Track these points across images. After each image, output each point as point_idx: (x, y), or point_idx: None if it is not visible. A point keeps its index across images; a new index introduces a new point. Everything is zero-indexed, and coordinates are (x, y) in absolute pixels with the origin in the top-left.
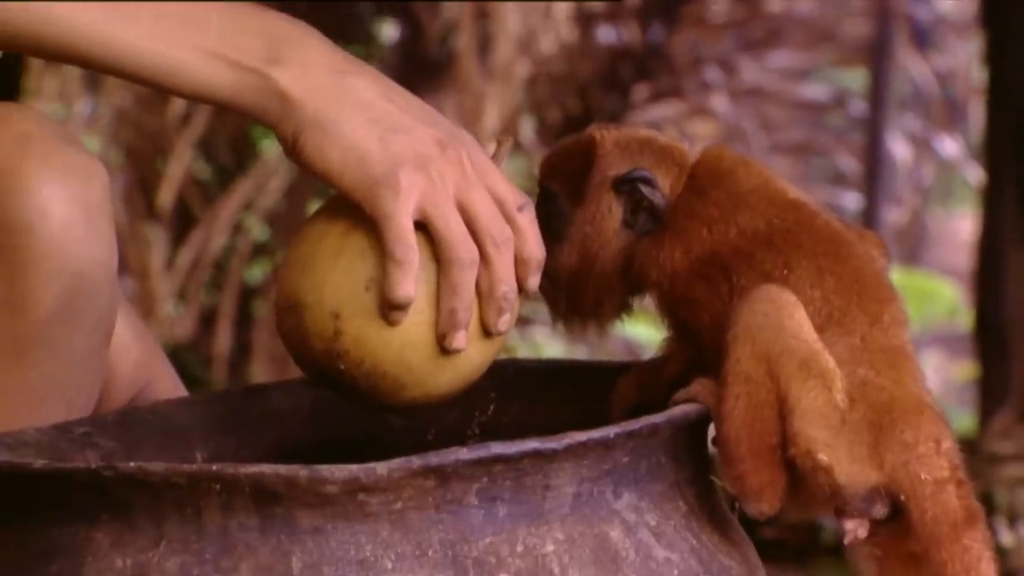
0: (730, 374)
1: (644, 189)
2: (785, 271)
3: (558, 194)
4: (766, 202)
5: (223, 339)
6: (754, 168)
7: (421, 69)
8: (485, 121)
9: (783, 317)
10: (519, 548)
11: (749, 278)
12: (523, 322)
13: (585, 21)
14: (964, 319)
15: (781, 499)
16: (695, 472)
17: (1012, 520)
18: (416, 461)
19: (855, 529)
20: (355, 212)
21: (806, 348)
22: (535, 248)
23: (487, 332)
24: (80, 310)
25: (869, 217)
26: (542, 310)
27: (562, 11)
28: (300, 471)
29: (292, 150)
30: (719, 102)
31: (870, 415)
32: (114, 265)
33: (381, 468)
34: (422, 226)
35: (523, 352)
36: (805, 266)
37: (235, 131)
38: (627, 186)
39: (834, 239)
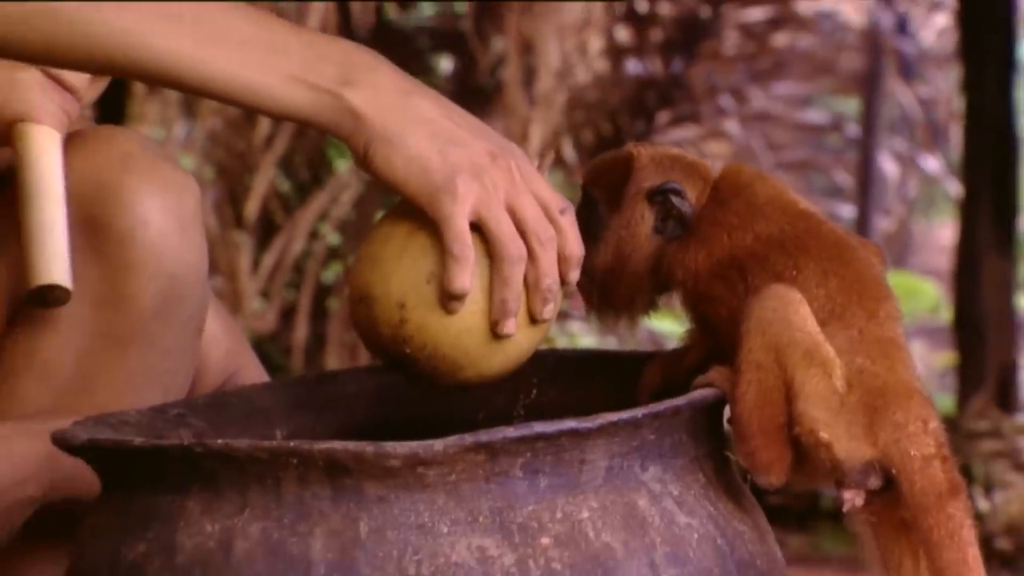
0: (743, 362)
1: (675, 200)
2: (794, 272)
3: (598, 200)
4: (779, 212)
5: (301, 331)
6: (769, 182)
7: (473, 97)
8: (529, 142)
9: (790, 313)
10: (558, 515)
11: (762, 278)
12: (561, 316)
13: (615, 55)
14: (945, 314)
15: (788, 472)
16: (712, 448)
17: (987, 489)
18: (468, 438)
19: (852, 498)
20: (418, 215)
21: (809, 340)
22: (575, 246)
23: (533, 320)
24: (175, 308)
25: (862, 226)
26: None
27: (595, 46)
28: (367, 447)
29: (363, 161)
30: (731, 126)
31: (866, 398)
32: (204, 268)
33: (438, 444)
34: (477, 227)
35: (561, 343)
36: (812, 268)
37: (312, 150)
38: (659, 197)
39: (838, 245)
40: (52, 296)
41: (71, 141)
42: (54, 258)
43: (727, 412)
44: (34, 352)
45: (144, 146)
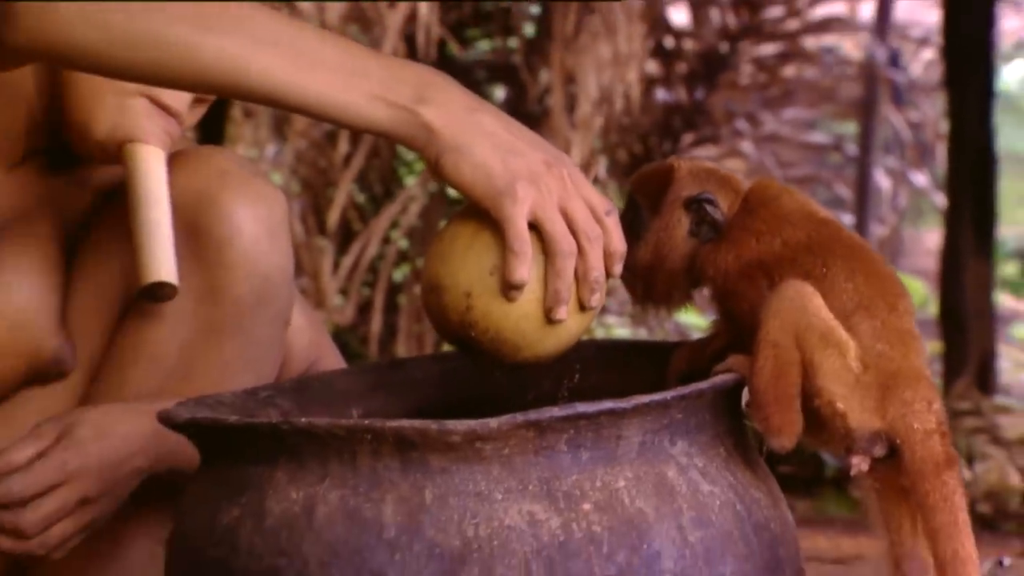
0: (762, 342)
1: (708, 208)
2: (824, 269)
3: (641, 206)
4: (804, 219)
5: (375, 324)
6: (794, 195)
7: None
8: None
9: (806, 301)
10: (598, 484)
11: (791, 277)
12: (599, 311)
13: (646, 84)
14: (931, 309)
15: (797, 436)
16: (731, 426)
17: (969, 461)
18: (519, 417)
19: (859, 463)
20: (482, 216)
21: (824, 324)
22: (619, 243)
23: (582, 307)
24: (265, 304)
25: (859, 232)
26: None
27: (628, 77)
28: (431, 425)
29: (435, 169)
30: (747, 146)
31: (881, 378)
32: (291, 270)
33: (493, 422)
34: (533, 226)
35: (599, 334)
36: (840, 266)
37: (384, 168)
38: (695, 204)
39: (857, 247)
40: (161, 292)
41: (175, 159)
42: (162, 259)
43: (744, 394)
44: (143, 343)
45: (239, 164)
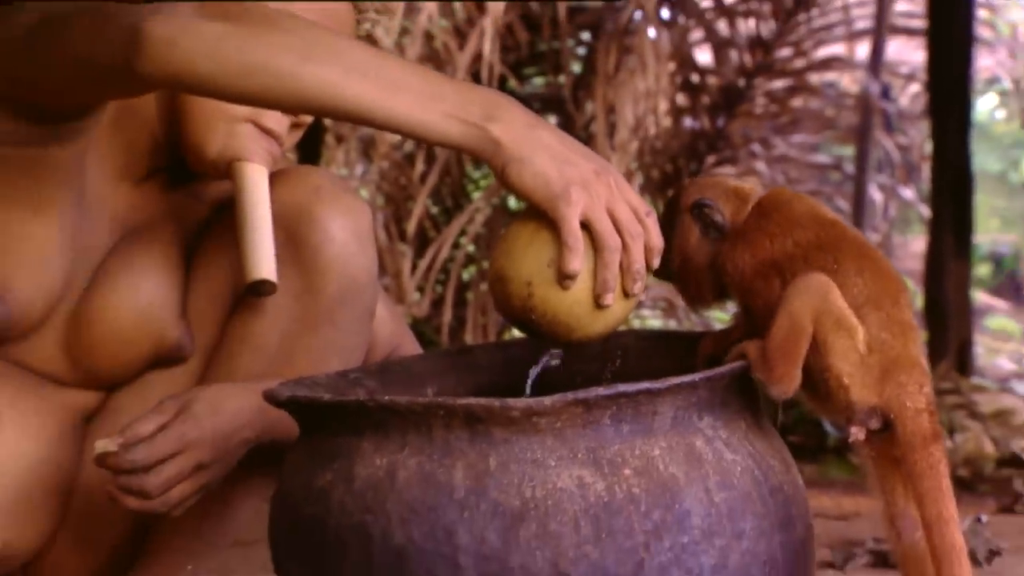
0: (781, 312)
1: (707, 211)
2: (835, 265)
3: (667, 219)
4: (813, 222)
5: (446, 316)
6: (804, 200)
7: None
8: None
9: (826, 290)
10: (636, 452)
11: (806, 272)
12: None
13: (675, 114)
14: (917, 303)
15: (794, 388)
16: (749, 403)
17: (950, 432)
18: (570, 396)
19: (857, 432)
20: (540, 217)
21: (839, 311)
22: (657, 240)
23: (626, 295)
24: (353, 300)
25: None
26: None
27: (660, 107)
28: (495, 402)
29: (501, 176)
30: (760, 166)
31: (882, 362)
32: (375, 271)
33: (547, 400)
34: (585, 225)
35: (636, 325)
36: (849, 263)
37: (455, 184)
38: (696, 209)
39: (864, 245)
40: (263, 289)
41: (277, 176)
42: (264, 260)
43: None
44: (250, 333)
45: (331, 181)
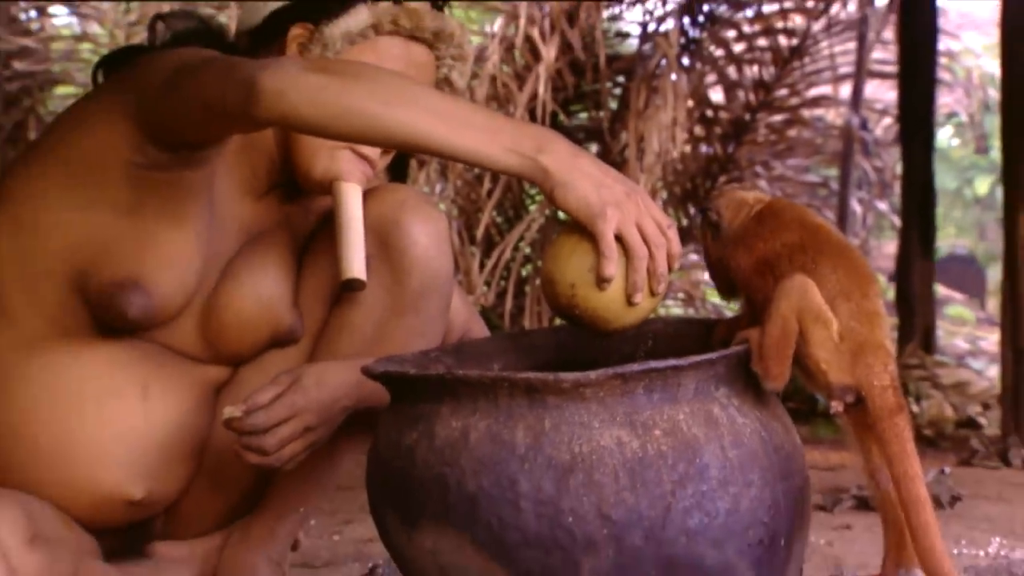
0: (774, 314)
1: (708, 214)
2: (813, 264)
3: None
4: (798, 226)
5: (508, 305)
6: (796, 208)
7: None
8: None
9: (807, 289)
10: (664, 416)
11: (789, 270)
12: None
13: (693, 142)
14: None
15: (784, 383)
16: (755, 377)
17: (917, 399)
18: (610, 371)
19: (836, 406)
20: (582, 231)
21: (818, 306)
22: (677, 248)
23: (652, 293)
24: (433, 292)
25: None
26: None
27: (681, 137)
28: (549, 376)
29: (550, 198)
30: (763, 184)
31: (852, 347)
32: (451, 268)
33: (592, 375)
34: (619, 238)
35: (662, 313)
36: (826, 262)
37: (515, 199)
38: (701, 214)
39: (841, 246)
40: (355, 285)
41: (370, 192)
42: (356, 262)
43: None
44: (348, 320)
45: (415, 195)
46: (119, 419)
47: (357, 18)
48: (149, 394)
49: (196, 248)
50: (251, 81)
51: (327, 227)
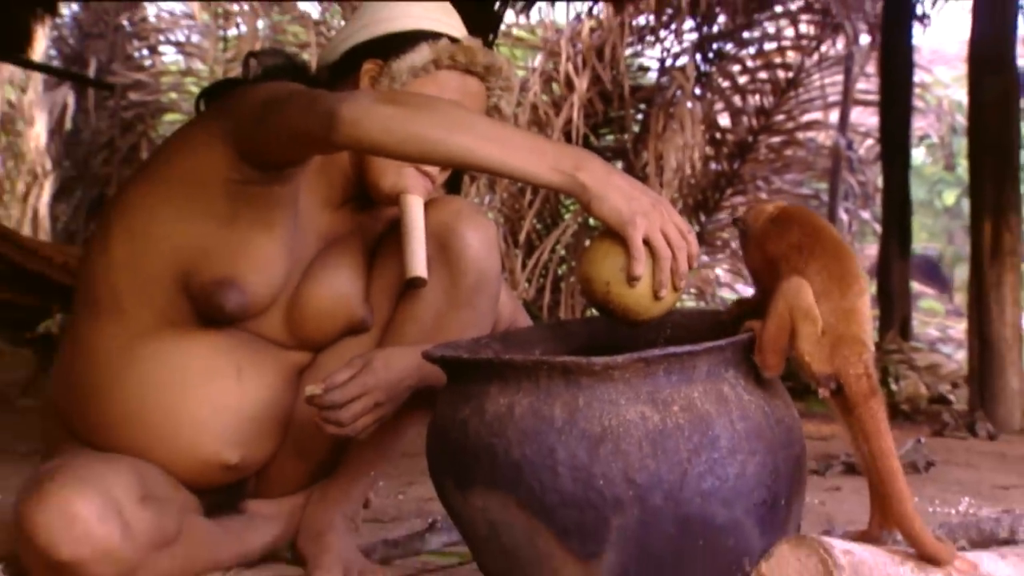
0: (772, 312)
1: (738, 222)
2: (804, 265)
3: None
4: (800, 230)
5: (546, 299)
6: (803, 212)
7: None
8: None
9: (801, 289)
10: (681, 394)
11: (787, 269)
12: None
13: (704, 160)
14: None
15: (780, 373)
16: None
17: (896, 379)
18: (635, 356)
19: (822, 392)
20: (614, 236)
21: (808, 306)
22: (695, 250)
23: (675, 289)
24: (484, 289)
25: None
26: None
27: (694, 155)
28: (583, 360)
29: (587, 208)
30: (763, 196)
31: (831, 341)
32: (500, 268)
33: (619, 358)
34: (647, 241)
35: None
36: (814, 263)
37: (552, 208)
38: (734, 223)
39: (835, 248)
40: (418, 283)
41: (431, 203)
42: (419, 263)
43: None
44: (411, 313)
45: (469, 205)
46: (217, 396)
47: (420, 55)
48: (243, 376)
49: (283, 252)
50: (331, 112)
51: (394, 233)
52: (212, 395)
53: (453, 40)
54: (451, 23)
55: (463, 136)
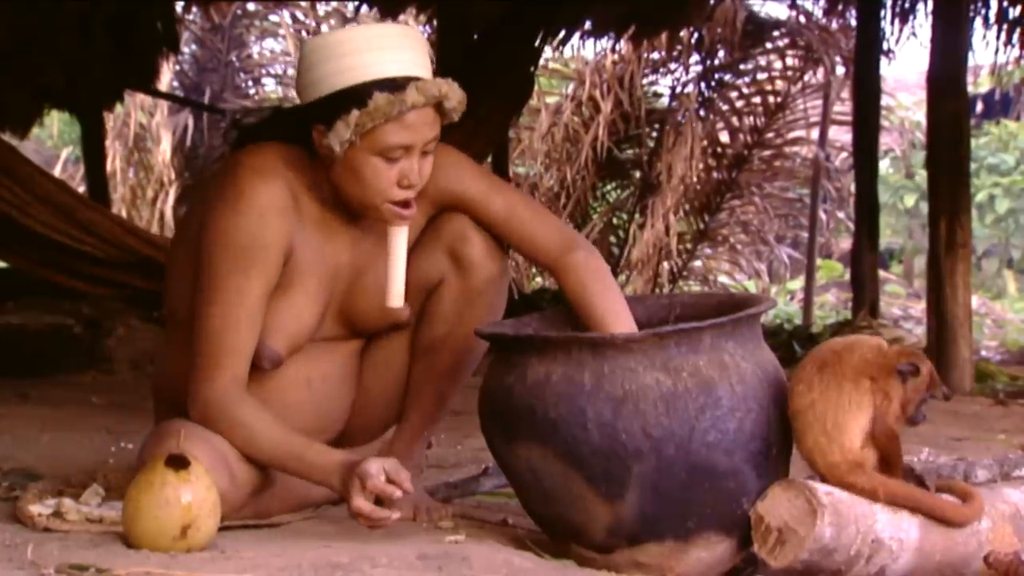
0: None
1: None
2: None
3: None
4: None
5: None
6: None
7: (648, 189)
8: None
9: None
10: (689, 362)
11: None
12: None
13: (707, 170)
14: (846, 277)
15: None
16: (755, 334)
17: None
18: (650, 332)
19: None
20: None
21: None
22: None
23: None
24: (495, 285)
25: (810, 242)
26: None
27: (698, 165)
28: (607, 335)
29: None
30: (757, 200)
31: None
32: (505, 266)
33: (637, 334)
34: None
35: (685, 290)
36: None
37: (583, 210)
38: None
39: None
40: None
41: (445, 214)
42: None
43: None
44: (435, 309)
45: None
46: (294, 412)
47: (349, 125)
48: (312, 387)
49: (307, 302)
50: (192, 396)
51: (425, 231)
52: (288, 408)
53: (392, 82)
54: (396, 58)
55: (257, 455)
